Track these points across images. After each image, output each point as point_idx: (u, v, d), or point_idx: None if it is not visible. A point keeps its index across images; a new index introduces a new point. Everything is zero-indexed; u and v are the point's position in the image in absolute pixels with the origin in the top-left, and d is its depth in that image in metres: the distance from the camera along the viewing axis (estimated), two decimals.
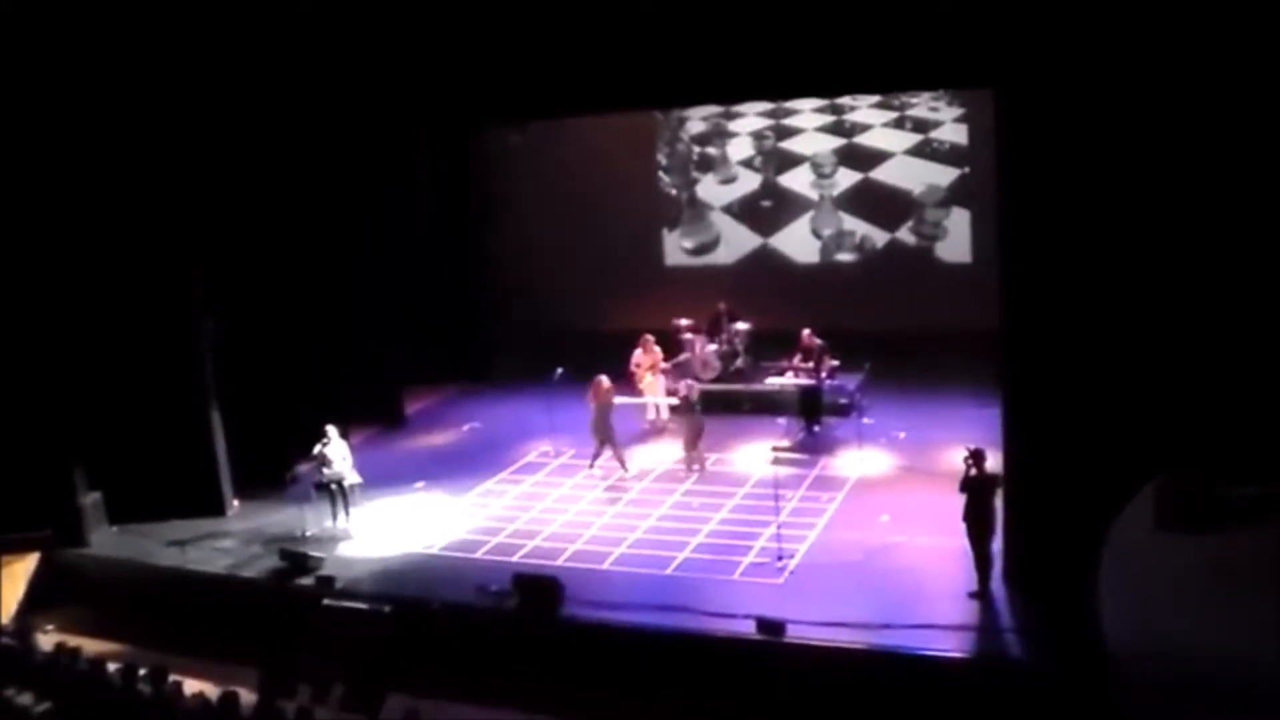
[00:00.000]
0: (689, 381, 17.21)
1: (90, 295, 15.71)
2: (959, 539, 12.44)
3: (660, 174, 23.60)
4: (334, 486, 15.25)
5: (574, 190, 22.99)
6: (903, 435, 17.45)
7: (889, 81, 15.76)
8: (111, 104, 15.20)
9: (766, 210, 22.89)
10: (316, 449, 15.23)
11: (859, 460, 16.62)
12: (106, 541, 15.74)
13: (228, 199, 16.59)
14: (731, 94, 17.82)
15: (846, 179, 22.16)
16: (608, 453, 16.82)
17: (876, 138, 21.90)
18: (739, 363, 19.79)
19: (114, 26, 14.77)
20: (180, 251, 16.00)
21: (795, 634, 11.76)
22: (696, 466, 16.68)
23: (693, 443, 16.71)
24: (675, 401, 17.41)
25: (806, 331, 18.19)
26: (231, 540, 15.42)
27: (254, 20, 14.48)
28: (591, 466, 16.90)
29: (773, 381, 18.50)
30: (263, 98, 15.24)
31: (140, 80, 15.13)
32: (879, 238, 22.09)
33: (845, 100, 21.64)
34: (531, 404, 18.77)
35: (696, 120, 23.10)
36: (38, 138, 15.09)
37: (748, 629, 11.91)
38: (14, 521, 15.11)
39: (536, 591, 12.91)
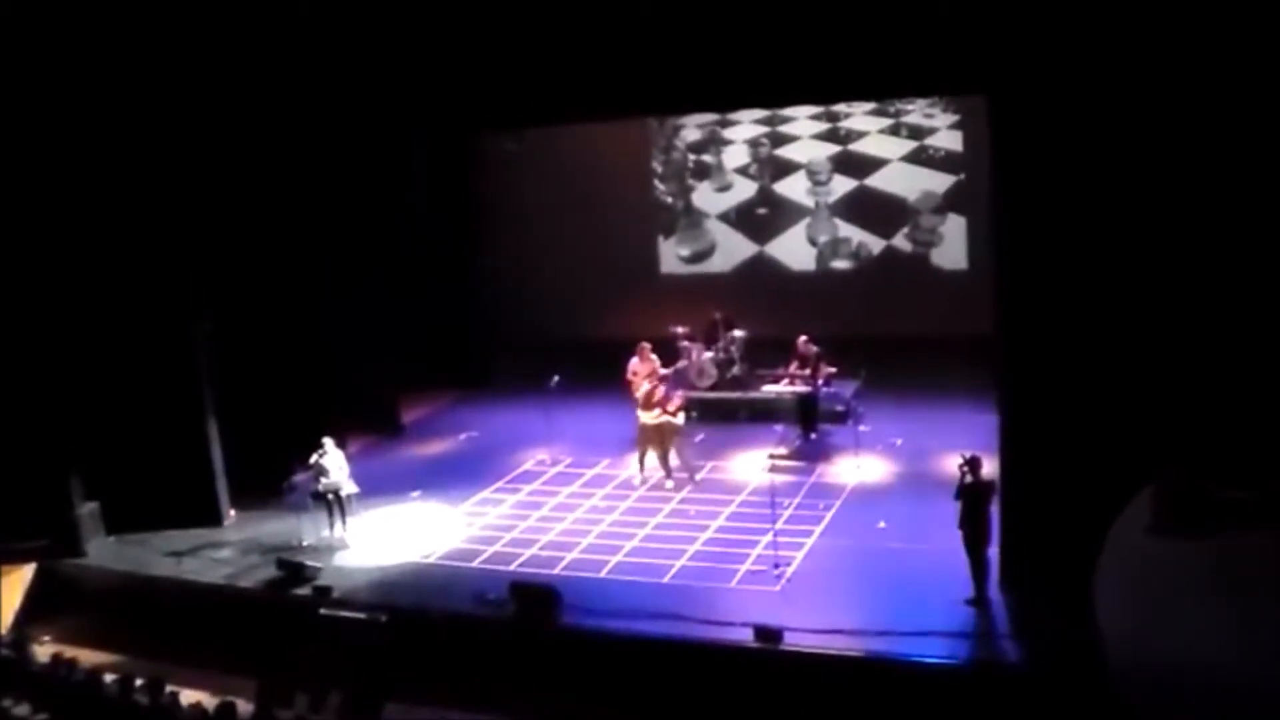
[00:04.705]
0: (679, 391, 17.17)
1: (86, 304, 15.71)
2: (955, 546, 12.42)
3: (656, 182, 23.62)
4: (331, 496, 15.23)
5: (570, 198, 23.01)
6: (899, 442, 17.44)
7: (884, 88, 15.80)
8: (108, 109, 15.21)
9: (762, 218, 22.91)
10: (313, 459, 15.21)
11: (856, 467, 16.62)
12: (103, 551, 15.72)
13: (224, 207, 16.59)
14: (727, 101, 17.86)
15: (842, 186, 22.19)
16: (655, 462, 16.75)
17: (872, 145, 21.94)
18: (735, 370, 19.77)
19: (111, 29, 14.78)
20: (176, 260, 16.00)
21: (792, 642, 11.76)
22: (689, 475, 16.68)
23: (675, 451, 16.73)
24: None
25: (802, 339, 18.18)
26: (228, 550, 15.42)
27: (252, 23, 14.50)
28: (670, 478, 16.67)
29: (769, 389, 18.48)
30: (260, 102, 15.26)
31: (137, 84, 15.14)
32: (875, 244, 22.13)
33: (840, 107, 21.68)
34: (528, 412, 18.75)
35: (692, 128, 23.13)
36: (33, 144, 15.10)
37: (745, 637, 11.91)
38: (10, 531, 15.10)
39: (533, 600, 12.90)
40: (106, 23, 14.75)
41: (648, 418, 16.58)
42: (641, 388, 17.04)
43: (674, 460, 16.72)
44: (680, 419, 16.58)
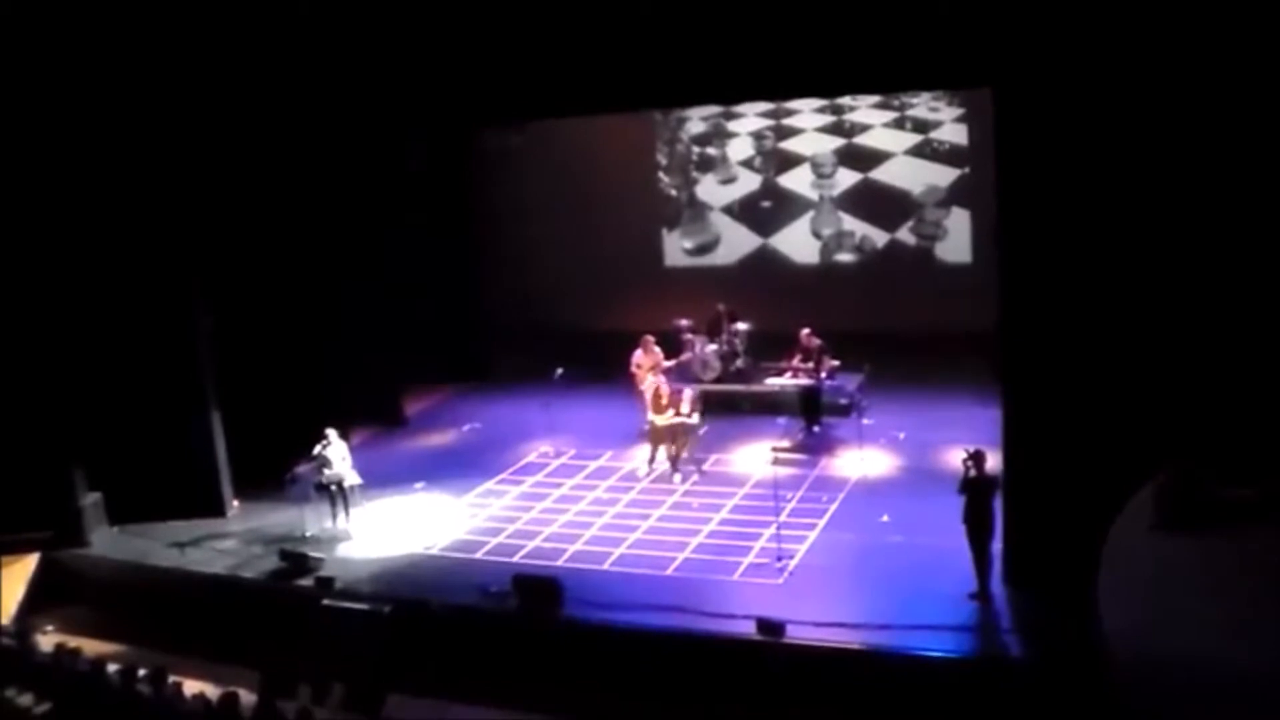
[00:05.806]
0: (689, 390, 17.05)
1: (89, 296, 15.72)
2: (959, 540, 12.42)
3: (660, 174, 23.61)
4: (334, 487, 15.25)
5: (574, 191, 23.00)
6: (902, 436, 17.44)
7: (889, 81, 15.76)
8: (109, 106, 15.20)
9: (766, 210, 22.90)
10: (316, 450, 15.23)
11: (859, 461, 16.61)
12: (106, 542, 15.75)
13: (226, 200, 16.59)
14: (731, 94, 17.81)
15: (846, 179, 22.17)
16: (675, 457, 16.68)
17: (876, 138, 21.91)
18: (739, 363, 19.75)
19: (112, 29, 14.77)
20: (179, 252, 16.01)
21: (795, 634, 11.78)
22: (696, 468, 16.67)
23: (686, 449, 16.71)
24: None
25: (806, 331, 18.16)
26: (231, 541, 15.44)
27: (252, 22, 14.49)
28: (676, 472, 16.61)
29: (773, 382, 18.47)
30: (261, 98, 15.25)
31: (138, 82, 15.13)
32: (879, 238, 22.11)
33: (845, 100, 21.65)
34: (531, 404, 18.70)
35: (696, 120, 23.11)
36: (36, 141, 15.09)
37: (748, 629, 11.93)
38: (14, 522, 15.12)
39: (536, 592, 12.92)
40: (107, 23, 14.73)
41: (660, 420, 16.54)
42: (647, 380, 17.00)
43: (684, 455, 16.71)
44: (695, 419, 16.55)
